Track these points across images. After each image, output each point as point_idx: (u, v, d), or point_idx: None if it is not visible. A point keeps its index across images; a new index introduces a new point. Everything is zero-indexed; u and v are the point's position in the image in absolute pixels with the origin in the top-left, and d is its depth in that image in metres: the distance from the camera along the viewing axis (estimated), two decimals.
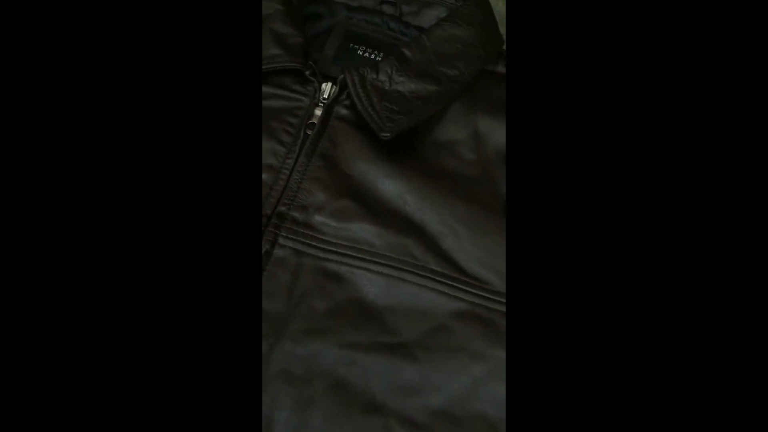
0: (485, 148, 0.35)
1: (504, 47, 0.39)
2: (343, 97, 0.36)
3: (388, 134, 0.33)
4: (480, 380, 0.29)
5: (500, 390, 0.29)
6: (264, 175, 0.34)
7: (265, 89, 0.36)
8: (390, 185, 0.34)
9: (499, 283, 0.31)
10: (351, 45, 0.41)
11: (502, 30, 0.40)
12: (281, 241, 0.33)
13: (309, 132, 0.35)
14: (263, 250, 0.32)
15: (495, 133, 0.36)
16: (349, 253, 0.32)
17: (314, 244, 0.32)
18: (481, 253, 0.32)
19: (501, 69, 0.39)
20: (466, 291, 0.31)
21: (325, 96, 0.36)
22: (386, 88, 0.35)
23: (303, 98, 0.36)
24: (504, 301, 0.31)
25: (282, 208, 0.33)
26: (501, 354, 0.30)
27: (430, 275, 0.31)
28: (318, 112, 0.36)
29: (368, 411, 0.29)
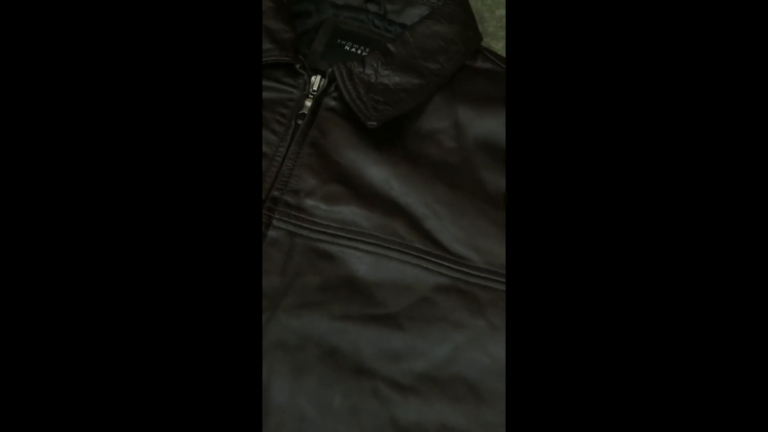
0: (465, 137, 0.38)
1: (483, 43, 0.42)
2: (332, 89, 0.38)
3: (375, 123, 0.36)
4: (460, 347, 0.32)
5: (479, 356, 0.32)
6: None
7: None
8: (377, 171, 0.36)
9: (478, 259, 0.34)
10: (338, 41, 0.44)
11: (480, 27, 0.43)
12: (275, 223, 0.35)
13: (300, 122, 0.38)
14: None
15: (474, 123, 0.39)
16: (339, 233, 0.35)
17: (306, 225, 0.35)
18: (461, 232, 0.35)
19: (479, 64, 0.42)
20: (448, 267, 0.34)
21: (315, 88, 0.38)
22: (372, 80, 0.38)
23: (294, 90, 0.39)
24: (483, 275, 0.34)
25: (275, 193, 0.36)
26: (480, 323, 0.33)
27: (414, 253, 0.34)
28: (308, 103, 0.38)
29: (358, 375, 0.31)
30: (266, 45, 0.39)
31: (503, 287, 0.34)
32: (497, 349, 0.32)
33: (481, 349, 0.32)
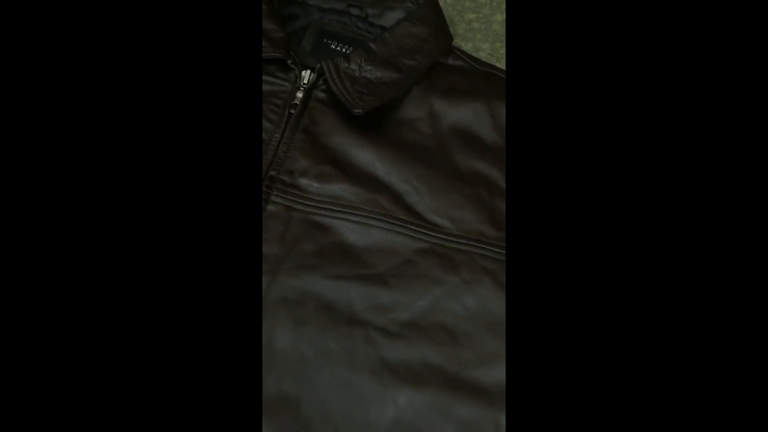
0: (439, 125, 0.44)
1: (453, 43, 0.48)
2: (320, 82, 0.44)
3: (360, 111, 0.41)
4: (439, 299, 0.38)
5: (455, 306, 0.38)
6: None
7: None
8: (362, 154, 0.42)
9: (453, 227, 0.40)
10: (324, 40, 0.49)
11: (451, 30, 0.49)
12: (273, 198, 0.40)
13: (292, 111, 0.43)
14: None
15: (447, 112, 0.44)
16: (330, 207, 0.40)
17: (301, 201, 0.40)
18: (438, 205, 0.41)
19: (451, 61, 0.48)
20: (427, 234, 0.40)
21: (305, 81, 0.44)
22: (356, 75, 0.43)
23: (286, 83, 0.44)
24: (457, 240, 0.40)
25: (272, 173, 0.41)
26: (455, 279, 0.38)
27: (397, 222, 0.40)
28: (299, 94, 0.43)
29: (352, 324, 0.37)
30: (261, 43, 0.44)
31: (474, 249, 0.39)
32: (470, 300, 0.38)
33: (457, 300, 0.38)
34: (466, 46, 0.53)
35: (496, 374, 0.36)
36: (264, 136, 0.42)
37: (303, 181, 0.41)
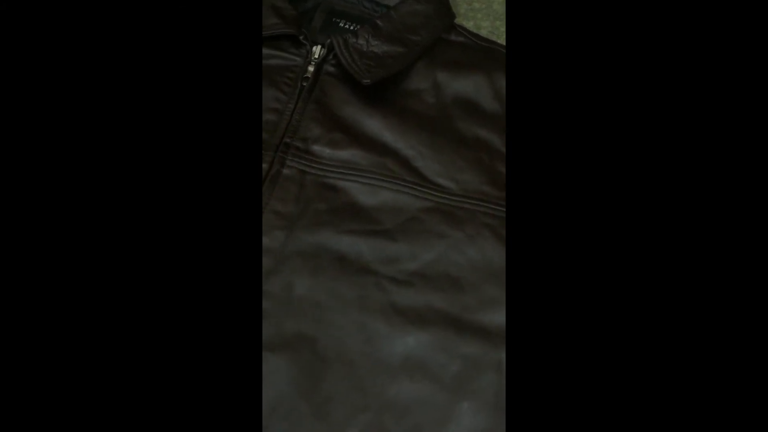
0: (443, 95, 0.48)
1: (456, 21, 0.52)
2: (330, 57, 0.47)
3: (368, 80, 0.45)
4: (443, 251, 0.41)
5: (458, 257, 0.41)
6: (271, 117, 0.45)
7: (268, 51, 0.47)
8: (371, 123, 0.45)
9: (456, 187, 0.44)
10: (333, 19, 0.53)
11: (454, 9, 0.52)
12: (288, 163, 0.44)
13: (304, 84, 0.47)
14: (275, 170, 0.43)
15: (450, 84, 0.48)
16: (341, 170, 0.44)
17: (314, 165, 0.44)
18: (442, 168, 0.44)
19: (453, 38, 0.51)
20: (432, 193, 0.43)
21: (316, 56, 0.47)
22: (364, 49, 0.47)
23: (297, 58, 0.48)
24: (459, 199, 0.43)
25: (287, 140, 0.44)
26: (458, 234, 0.42)
27: (404, 183, 0.43)
28: (311, 68, 0.47)
29: (363, 273, 0.40)
30: (274, 20, 0.47)
31: (476, 207, 0.43)
32: (472, 252, 0.41)
33: (460, 252, 0.41)
34: (468, 25, 0.56)
35: (496, 317, 0.39)
36: (278, 106, 0.46)
37: (316, 148, 0.44)
